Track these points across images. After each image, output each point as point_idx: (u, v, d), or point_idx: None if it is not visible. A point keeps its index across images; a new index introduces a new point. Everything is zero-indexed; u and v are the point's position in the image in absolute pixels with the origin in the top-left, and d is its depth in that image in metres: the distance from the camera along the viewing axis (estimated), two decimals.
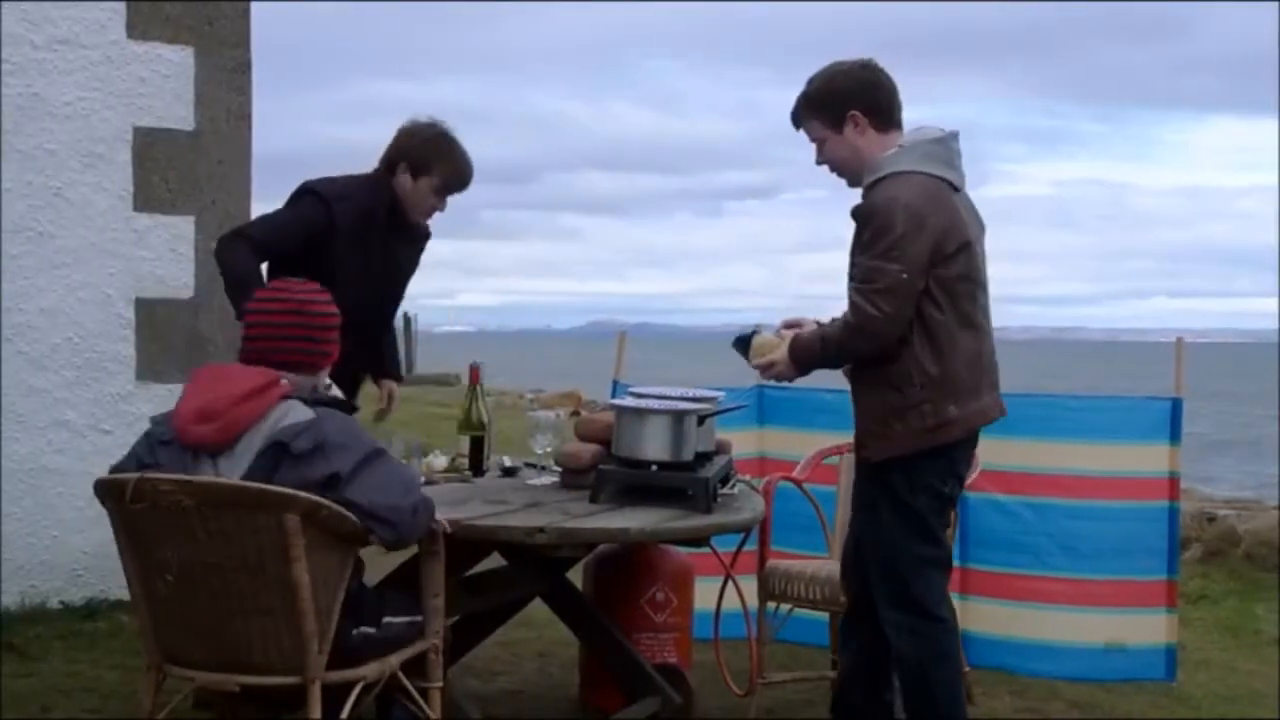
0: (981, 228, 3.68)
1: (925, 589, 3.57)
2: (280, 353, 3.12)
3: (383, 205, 4.34)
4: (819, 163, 3.70)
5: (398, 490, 3.06)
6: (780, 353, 3.62)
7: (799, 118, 3.69)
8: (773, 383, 3.90)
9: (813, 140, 3.69)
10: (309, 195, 4.32)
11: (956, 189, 3.59)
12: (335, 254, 4.24)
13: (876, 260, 3.43)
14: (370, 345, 4.52)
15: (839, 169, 3.69)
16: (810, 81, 3.66)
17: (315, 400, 3.07)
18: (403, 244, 4.48)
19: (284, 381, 3.05)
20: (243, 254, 4.23)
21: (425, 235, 4.58)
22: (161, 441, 3.05)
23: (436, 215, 4.47)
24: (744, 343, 3.73)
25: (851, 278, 3.54)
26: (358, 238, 4.29)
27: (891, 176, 3.52)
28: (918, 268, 3.42)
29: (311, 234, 4.25)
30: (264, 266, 4.26)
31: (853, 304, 3.46)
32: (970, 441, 3.64)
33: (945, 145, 3.61)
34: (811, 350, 3.58)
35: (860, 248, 3.50)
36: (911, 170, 3.52)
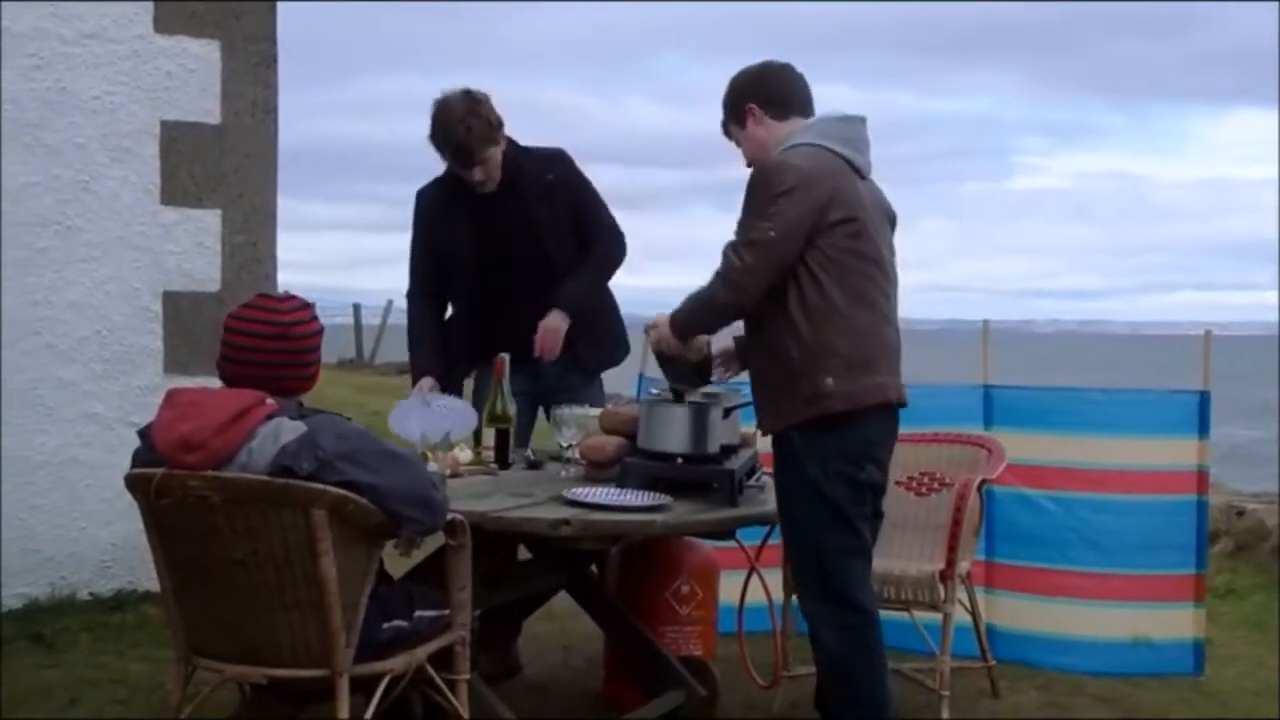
0: (888, 218, 3.69)
1: (847, 579, 3.54)
2: (262, 380, 3.02)
3: (451, 186, 4.57)
4: (747, 165, 3.74)
5: (415, 477, 3.06)
6: (661, 317, 3.68)
7: (724, 127, 3.79)
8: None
9: (737, 145, 3.76)
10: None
11: (859, 172, 3.60)
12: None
13: (750, 217, 3.48)
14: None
15: (749, 159, 3.73)
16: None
17: (301, 415, 3.01)
18: (505, 205, 4.54)
19: (269, 401, 2.98)
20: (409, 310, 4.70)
21: (553, 181, 4.56)
22: (149, 464, 3.01)
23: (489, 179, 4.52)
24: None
25: None
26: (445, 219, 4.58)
27: (788, 149, 3.58)
28: (792, 230, 3.43)
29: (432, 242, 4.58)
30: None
31: (722, 256, 3.49)
32: (883, 424, 3.59)
33: (848, 125, 3.65)
34: (679, 311, 3.62)
35: (744, 206, 3.53)
36: (808, 143, 3.57)
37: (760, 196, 3.47)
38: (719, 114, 3.79)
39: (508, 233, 4.55)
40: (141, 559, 3.58)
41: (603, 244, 4.66)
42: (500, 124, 4.47)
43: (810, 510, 3.52)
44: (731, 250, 3.47)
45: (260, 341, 3.03)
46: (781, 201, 3.43)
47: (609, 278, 4.73)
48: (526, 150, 4.59)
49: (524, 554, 3.97)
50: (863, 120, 3.67)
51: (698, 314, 3.62)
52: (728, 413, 3.85)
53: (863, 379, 3.50)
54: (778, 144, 3.63)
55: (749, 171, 3.65)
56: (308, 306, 3.12)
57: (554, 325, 4.52)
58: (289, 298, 3.14)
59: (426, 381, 4.48)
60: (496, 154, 4.47)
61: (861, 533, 3.57)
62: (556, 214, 4.57)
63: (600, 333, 4.70)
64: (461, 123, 4.36)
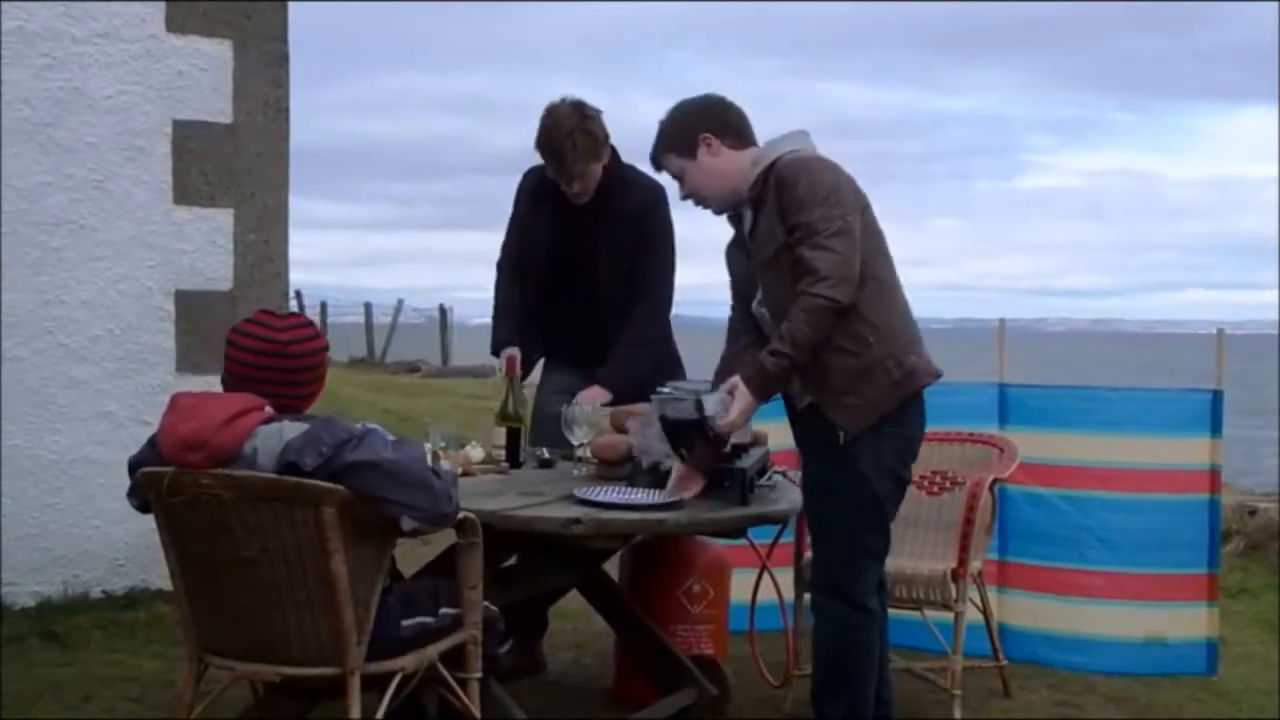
0: None
1: (860, 580, 3.55)
2: (260, 394, 3.03)
3: (547, 181, 4.56)
4: (683, 197, 3.71)
5: (416, 462, 3.04)
6: (738, 404, 3.47)
7: (657, 158, 3.71)
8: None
9: (674, 177, 3.70)
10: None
11: None
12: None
13: (817, 211, 3.38)
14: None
15: (701, 197, 3.67)
16: (661, 122, 3.68)
17: (299, 418, 3.02)
18: (581, 217, 4.54)
19: (268, 409, 3.00)
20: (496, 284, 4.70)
21: (631, 211, 4.54)
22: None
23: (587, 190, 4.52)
24: (693, 425, 3.54)
25: (776, 254, 3.46)
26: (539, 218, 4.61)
27: (786, 155, 3.53)
28: (855, 211, 3.43)
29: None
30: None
31: (809, 260, 3.36)
32: (921, 416, 3.60)
33: (807, 139, 3.63)
34: (764, 372, 3.43)
35: (793, 208, 3.42)
36: (799, 147, 3.56)
37: (814, 192, 3.40)
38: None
39: (572, 244, 4.57)
40: (154, 557, 3.59)
41: (643, 308, 4.55)
42: (607, 139, 4.48)
43: (852, 504, 3.50)
44: (817, 249, 3.35)
45: (256, 358, 3.05)
46: (835, 189, 3.42)
47: (648, 351, 4.57)
48: (624, 173, 4.57)
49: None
50: (807, 134, 3.67)
51: (807, 350, 3.39)
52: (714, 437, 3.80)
53: (922, 352, 3.56)
54: (740, 173, 3.57)
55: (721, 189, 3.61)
56: (308, 325, 3.14)
57: (593, 396, 4.39)
58: (289, 315, 3.16)
59: (510, 351, 4.49)
60: (597, 169, 4.49)
61: (889, 535, 3.59)
62: (619, 243, 4.53)
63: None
64: (569, 136, 4.38)
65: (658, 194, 4.59)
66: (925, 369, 3.53)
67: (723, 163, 3.60)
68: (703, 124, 3.60)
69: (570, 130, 4.38)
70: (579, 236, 4.56)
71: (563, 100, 4.47)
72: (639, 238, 4.56)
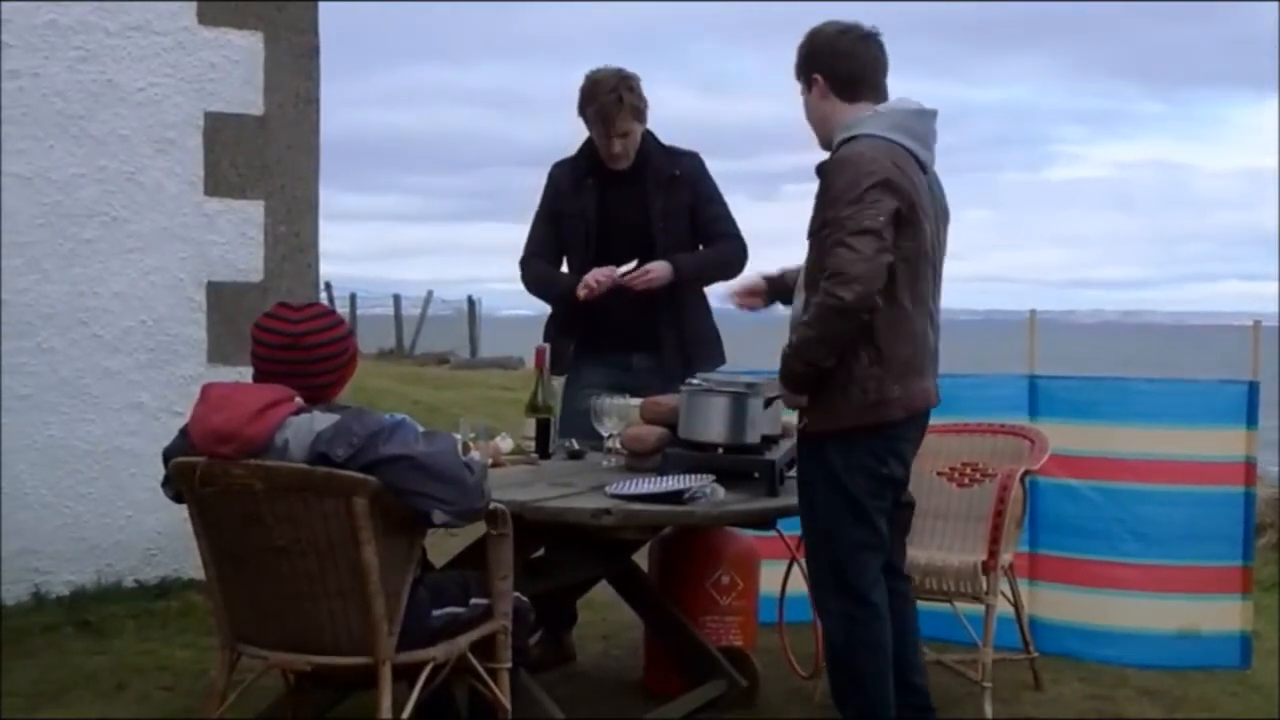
0: (945, 215, 3.61)
1: (859, 574, 3.50)
2: (288, 388, 3.05)
3: (584, 160, 4.63)
4: (809, 120, 3.66)
5: (448, 455, 3.05)
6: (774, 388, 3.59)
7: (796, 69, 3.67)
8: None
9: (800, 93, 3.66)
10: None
11: (924, 168, 3.50)
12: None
13: (848, 207, 3.30)
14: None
15: (811, 127, 3.64)
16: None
17: (329, 409, 3.04)
18: (626, 190, 4.60)
19: (297, 400, 3.01)
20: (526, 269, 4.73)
21: (679, 174, 4.61)
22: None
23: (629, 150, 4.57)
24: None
25: (816, 233, 3.42)
26: (576, 198, 4.62)
27: (861, 137, 3.44)
28: (888, 222, 3.31)
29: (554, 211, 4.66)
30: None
31: (830, 257, 3.29)
32: (915, 422, 3.56)
33: (921, 120, 3.53)
34: (786, 364, 3.44)
35: (830, 200, 3.37)
36: (882, 135, 3.44)
37: (852, 186, 3.32)
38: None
39: (622, 218, 4.60)
40: (186, 547, 3.62)
41: (727, 241, 4.65)
42: (647, 105, 4.56)
43: (828, 501, 3.49)
44: (837, 246, 3.27)
45: (274, 351, 3.06)
46: (876, 191, 3.31)
47: (724, 270, 4.62)
48: (661, 145, 4.66)
49: None
50: (933, 114, 3.56)
51: (816, 342, 3.35)
52: (769, 403, 3.83)
53: (915, 384, 3.48)
54: (842, 126, 3.50)
55: (816, 152, 3.56)
56: (326, 315, 3.13)
57: (656, 270, 4.50)
58: (307, 306, 3.15)
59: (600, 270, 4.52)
60: (638, 132, 4.56)
61: (879, 527, 3.54)
62: (671, 208, 4.59)
63: (691, 351, 4.63)
64: (613, 92, 4.46)
65: (696, 155, 4.69)
66: (906, 402, 3.45)
67: (824, 108, 3.56)
68: (817, 63, 3.56)
69: (614, 87, 4.47)
70: (631, 205, 4.59)
71: (603, 67, 4.54)
72: (691, 195, 4.62)
